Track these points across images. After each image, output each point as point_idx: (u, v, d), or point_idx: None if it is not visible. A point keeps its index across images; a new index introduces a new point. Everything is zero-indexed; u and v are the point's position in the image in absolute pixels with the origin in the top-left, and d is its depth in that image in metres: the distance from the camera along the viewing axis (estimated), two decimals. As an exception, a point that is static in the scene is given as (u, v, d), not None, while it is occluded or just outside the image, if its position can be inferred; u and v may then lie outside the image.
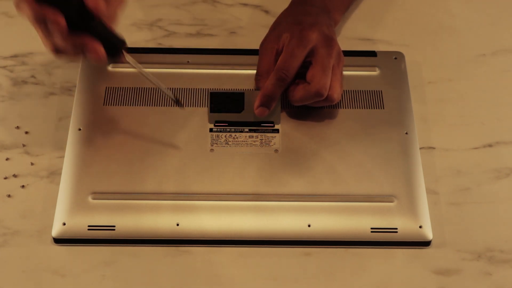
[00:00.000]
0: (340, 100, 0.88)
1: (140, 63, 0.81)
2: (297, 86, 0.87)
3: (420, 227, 0.82)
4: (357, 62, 0.94)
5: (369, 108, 0.90)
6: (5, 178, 0.87)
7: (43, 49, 0.97)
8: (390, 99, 0.91)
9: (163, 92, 0.86)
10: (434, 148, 0.90)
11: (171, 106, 0.89)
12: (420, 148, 0.88)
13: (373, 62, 0.94)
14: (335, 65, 0.86)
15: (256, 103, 0.87)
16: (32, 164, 0.88)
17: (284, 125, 0.89)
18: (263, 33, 0.92)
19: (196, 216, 0.82)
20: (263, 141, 0.87)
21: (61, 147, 0.88)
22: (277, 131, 0.88)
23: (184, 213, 0.82)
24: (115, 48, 0.79)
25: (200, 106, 0.89)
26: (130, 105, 0.89)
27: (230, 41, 0.99)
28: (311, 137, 0.88)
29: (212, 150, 0.86)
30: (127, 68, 0.87)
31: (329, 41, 0.86)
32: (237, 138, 0.87)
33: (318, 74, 0.85)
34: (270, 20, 0.94)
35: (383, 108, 0.90)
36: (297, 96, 0.86)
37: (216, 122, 0.88)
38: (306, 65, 0.87)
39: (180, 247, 0.82)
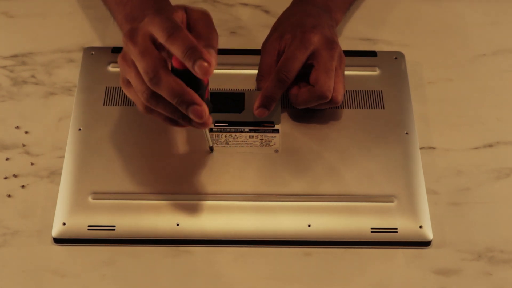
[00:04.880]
0: (341, 101, 0.88)
1: None
2: (300, 89, 0.87)
3: (420, 227, 0.82)
4: (358, 62, 0.94)
5: (369, 108, 0.90)
6: (5, 178, 0.87)
7: (43, 49, 0.98)
8: (390, 99, 0.91)
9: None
10: (434, 148, 0.90)
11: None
12: (420, 148, 0.88)
13: (373, 62, 0.94)
14: (337, 67, 0.86)
15: (256, 103, 0.87)
16: (32, 164, 0.88)
17: (284, 125, 0.89)
18: (263, 33, 0.92)
19: (196, 216, 0.82)
20: (263, 141, 0.87)
21: (61, 147, 0.88)
22: (277, 131, 0.88)
23: (184, 213, 0.82)
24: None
25: (200, 106, 0.89)
26: (130, 105, 0.89)
27: (230, 41, 0.99)
28: (311, 137, 0.88)
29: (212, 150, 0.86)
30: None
31: (331, 43, 0.86)
32: (237, 138, 0.87)
33: (321, 76, 0.85)
34: (270, 20, 0.94)
35: (383, 108, 0.90)
36: (301, 99, 0.86)
37: (216, 122, 0.88)
38: (307, 67, 0.87)
39: (180, 247, 0.82)
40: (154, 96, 0.75)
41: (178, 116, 0.76)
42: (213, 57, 0.74)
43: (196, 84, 0.75)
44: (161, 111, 0.76)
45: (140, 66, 0.74)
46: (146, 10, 0.86)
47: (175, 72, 0.74)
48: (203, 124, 0.76)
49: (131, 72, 0.76)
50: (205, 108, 0.74)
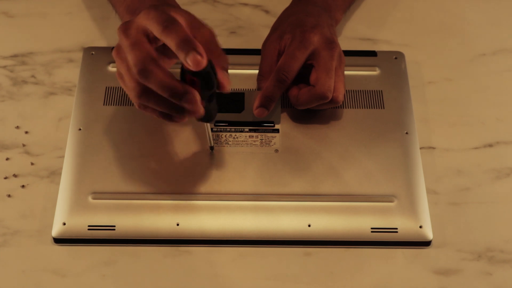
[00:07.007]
0: (341, 100, 0.88)
1: None
2: (301, 90, 0.87)
3: (420, 227, 0.82)
4: (358, 62, 0.94)
5: (369, 108, 0.90)
6: (5, 178, 0.87)
7: (43, 49, 0.98)
8: (390, 99, 0.91)
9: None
10: (434, 148, 0.90)
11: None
12: (420, 148, 0.88)
13: (374, 62, 0.94)
14: (337, 66, 0.86)
15: (256, 103, 0.87)
16: (32, 164, 0.88)
17: (284, 125, 0.89)
18: (263, 33, 0.92)
19: (196, 216, 0.82)
20: (263, 141, 0.87)
21: (61, 147, 0.88)
22: (277, 131, 0.88)
23: (184, 213, 0.82)
24: (210, 117, 0.79)
25: (200, 106, 0.89)
26: (130, 105, 0.89)
27: (230, 41, 0.99)
28: (311, 137, 0.88)
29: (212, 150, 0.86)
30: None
31: (330, 43, 0.86)
32: (237, 138, 0.87)
33: (322, 77, 0.85)
34: (270, 20, 0.94)
35: (383, 108, 0.90)
36: (301, 100, 0.86)
37: (216, 122, 0.88)
38: (307, 67, 0.87)
39: (180, 247, 0.82)
40: (145, 92, 0.74)
41: (172, 110, 0.76)
42: (227, 77, 0.76)
43: (210, 86, 0.75)
44: (154, 106, 0.76)
45: (130, 58, 0.74)
46: (146, 2, 0.86)
47: (188, 73, 0.74)
48: (197, 112, 0.75)
49: (124, 67, 0.75)
50: (197, 95, 0.74)
